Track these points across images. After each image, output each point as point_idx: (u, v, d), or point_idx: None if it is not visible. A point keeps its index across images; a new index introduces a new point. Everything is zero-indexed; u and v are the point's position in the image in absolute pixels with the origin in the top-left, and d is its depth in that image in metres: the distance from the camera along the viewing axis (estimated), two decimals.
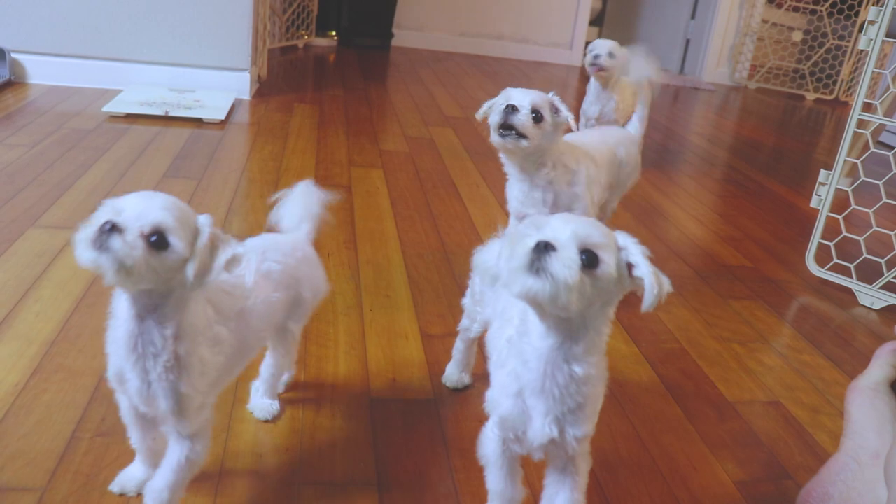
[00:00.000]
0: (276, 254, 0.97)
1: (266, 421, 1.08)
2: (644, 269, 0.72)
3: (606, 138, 1.67)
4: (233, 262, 0.76)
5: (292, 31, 4.39)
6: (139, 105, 2.56)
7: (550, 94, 1.41)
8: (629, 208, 2.28)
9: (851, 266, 1.83)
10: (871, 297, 1.79)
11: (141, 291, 0.75)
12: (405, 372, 1.25)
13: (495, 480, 0.87)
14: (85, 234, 0.72)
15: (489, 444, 0.86)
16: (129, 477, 0.92)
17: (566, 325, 0.74)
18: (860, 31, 4.64)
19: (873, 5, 1.72)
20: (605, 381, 0.80)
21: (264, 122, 2.65)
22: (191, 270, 0.73)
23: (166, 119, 2.50)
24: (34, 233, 1.57)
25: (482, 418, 1.16)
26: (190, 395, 0.79)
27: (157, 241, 0.71)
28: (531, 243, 0.69)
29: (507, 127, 1.36)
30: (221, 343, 0.84)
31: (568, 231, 0.69)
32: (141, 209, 0.72)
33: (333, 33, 4.80)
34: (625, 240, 0.74)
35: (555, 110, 1.40)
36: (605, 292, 0.71)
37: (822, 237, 1.88)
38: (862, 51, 1.98)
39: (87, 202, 1.76)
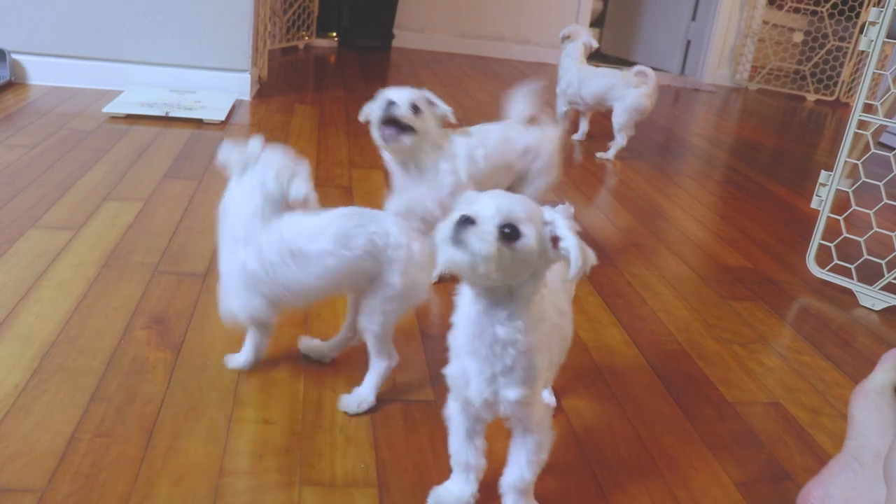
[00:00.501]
0: (370, 224, 1.08)
1: (349, 414, 1.12)
2: (570, 243, 0.77)
3: (512, 128, 1.75)
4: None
5: (293, 31, 4.39)
6: (140, 106, 2.56)
7: (423, 91, 1.50)
8: (629, 209, 2.28)
9: (852, 267, 1.82)
10: (872, 298, 1.79)
11: None
12: (405, 373, 1.25)
13: (453, 443, 0.93)
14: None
15: (449, 406, 0.92)
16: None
17: (492, 292, 0.79)
18: (861, 32, 4.64)
19: (874, 6, 1.72)
20: (545, 349, 0.85)
21: (265, 123, 2.65)
22: None
23: (167, 120, 2.50)
24: (34, 233, 1.57)
25: None
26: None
27: None
28: (455, 217, 0.75)
29: (388, 121, 1.44)
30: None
31: (492, 206, 0.75)
32: None
33: (334, 34, 4.81)
34: (552, 215, 0.79)
35: (431, 104, 1.50)
36: (527, 263, 0.77)
37: (823, 238, 1.88)
38: (863, 52, 1.98)
39: (87, 203, 1.76)
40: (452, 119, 1.54)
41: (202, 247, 1.60)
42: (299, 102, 3.05)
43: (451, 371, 0.87)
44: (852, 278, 1.83)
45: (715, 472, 1.10)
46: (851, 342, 1.60)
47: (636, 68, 2.89)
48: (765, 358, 1.48)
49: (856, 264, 1.82)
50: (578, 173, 2.63)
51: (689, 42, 5.46)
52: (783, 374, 1.42)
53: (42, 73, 2.79)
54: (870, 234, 1.80)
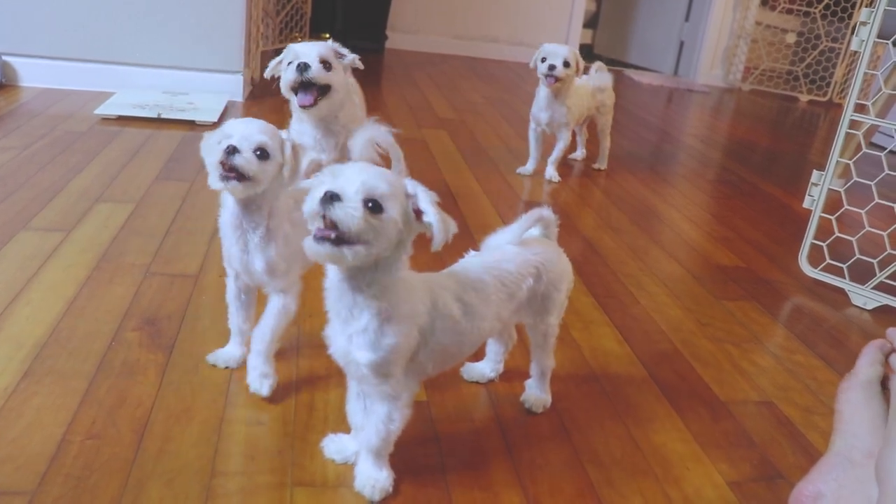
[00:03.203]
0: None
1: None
2: (431, 217, 0.82)
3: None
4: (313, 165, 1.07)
5: (286, 33, 4.38)
6: (132, 107, 2.55)
7: (330, 43, 1.52)
8: (622, 209, 2.28)
9: (844, 266, 1.83)
10: (864, 297, 1.79)
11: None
12: None
13: (347, 403, 1.00)
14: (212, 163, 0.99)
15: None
16: (226, 355, 1.19)
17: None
18: (853, 32, 4.66)
19: (865, 7, 1.73)
20: (408, 324, 0.87)
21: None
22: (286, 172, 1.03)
23: (159, 121, 2.50)
24: (25, 235, 1.56)
25: (474, 418, 1.16)
26: (275, 260, 1.07)
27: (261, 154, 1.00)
28: (320, 193, 0.78)
29: (304, 84, 1.45)
30: (299, 224, 1.06)
31: (357, 182, 0.78)
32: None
33: (327, 36, 4.80)
34: (414, 187, 0.83)
35: (339, 56, 1.52)
36: (394, 234, 0.81)
37: (815, 238, 1.89)
38: (855, 52, 1.99)
39: (78, 204, 1.75)
40: (360, 65, 1.55)
41: (194, 248, 1.59)
42: None
43: (327, 332, 0.91)
44: (844, 277, 1.83)
45: (708, 472, 1.10)
46: (844, 341, 1.60)
47: (596, 64, 2.67)
48: (758, 357, 1.48)
49: (848, 264, 1.82)
50: (571, 172, 2.63)
51: (682, 43, 5.47)
52: (776, 374, 1.42)
53: (33, 74, 2.78)
54: (862, 233, 1.80)
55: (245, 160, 0.99)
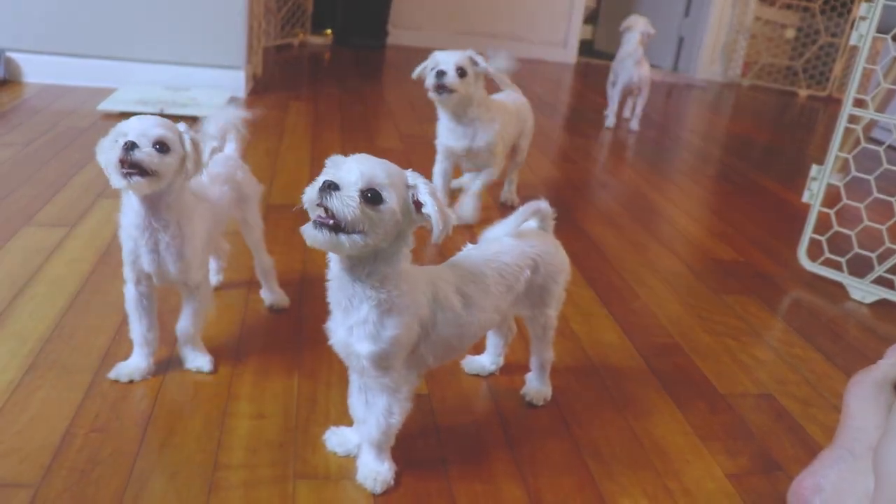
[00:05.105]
0: (218, 161, 1.27)
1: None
2: (431, 208, 0.82)
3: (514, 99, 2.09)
4: (214, 152, 1.10)
5: (287, 29, 4.39)
6: (134, 103, 2.56)
7: (469, 52, 1.78)
8: (623, 204, 2.29)
9: (843, 260, 1.83)
10: (863, 291, 1.80)
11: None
12: None
13: (349, 397, 1.00)
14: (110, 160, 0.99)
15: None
16: (128, 366, 1.13)
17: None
18: (852, 27, 4.66)
19: (864, 1, 1.73)
20: (408, 316, 0.88)
21: (259, 120, 2.65)
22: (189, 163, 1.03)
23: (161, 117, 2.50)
24: (29, 231, 1.57)
25: (474, 412, 1.17)
26: (191, 257, 1.08)
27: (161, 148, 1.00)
28: (319, 182, 0.79)
29: (440, 87, 1.75)
30: (203, 215, 1.13)
31: (356, 171, 0.79)
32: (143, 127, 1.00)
33: (329, 31, 4.81)
34: (415, 179, 0.84)
35: (474, 63, 1.77)
36: (393, 224, 0.82)
37: (814, 232, 1.89)
38: (854, 47, 1.99)
39: (81, 200, 1.76)
40: (492, 75, 1.83)
41: None
42: (294, 99, 3.05)
43: (329, 325, 0.92)
44: (843, 271, 1.84)
45: (707, 464, 1.11)
46: (842, 335, 1.61)
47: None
48: (757, 350, 1.49)
49: (846, 257, 1.83)
50: (571, 168, 2.64)
51: (681, 38, 5.47)
52: (775, 367, 1.43)
53: (36, 70, 2.78)
54: (860, 227, 1.81)
55: (146, 154, 0.97)
